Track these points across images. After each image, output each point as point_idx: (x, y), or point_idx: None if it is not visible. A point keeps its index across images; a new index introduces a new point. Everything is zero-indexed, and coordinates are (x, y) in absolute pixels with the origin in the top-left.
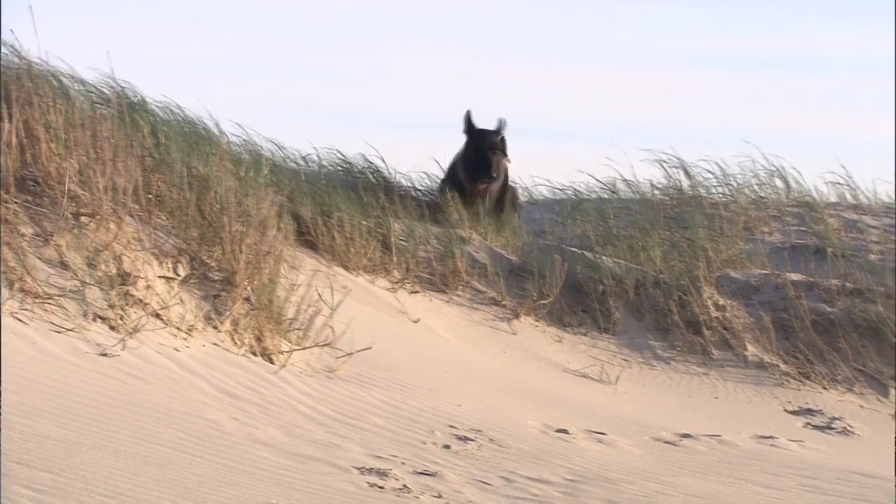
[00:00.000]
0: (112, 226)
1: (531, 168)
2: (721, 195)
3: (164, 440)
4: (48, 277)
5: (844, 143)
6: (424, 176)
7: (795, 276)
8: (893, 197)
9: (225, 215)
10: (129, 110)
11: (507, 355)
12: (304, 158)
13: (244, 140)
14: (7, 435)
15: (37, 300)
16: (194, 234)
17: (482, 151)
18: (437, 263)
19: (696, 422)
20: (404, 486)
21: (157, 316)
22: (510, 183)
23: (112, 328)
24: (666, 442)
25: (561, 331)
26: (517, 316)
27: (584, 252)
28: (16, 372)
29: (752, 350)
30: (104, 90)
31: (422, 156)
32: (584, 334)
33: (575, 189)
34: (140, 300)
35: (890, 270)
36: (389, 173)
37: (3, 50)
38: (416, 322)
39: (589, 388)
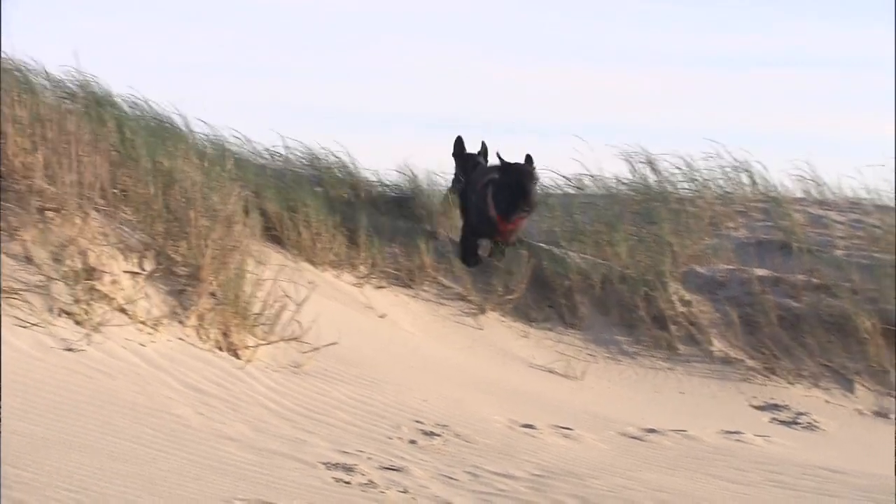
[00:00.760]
0: (78, 221)
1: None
2: (687, 190)
3: (129, 435)
4: (13, 272)
5: (809, 139)
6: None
7: (761, 272)
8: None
9: (191, 210)
10: (95, 105)
11: (473, 350)
12: (271, 154)
13: (211, 135)
14: None
15: (2, 295)
16: (160, 229)
17: (521, 184)
18: (403, 258)
19: (662, 417)
20: (370, 481)
21: (123, 311)
22: None
23: (77, 323)
24: (632, 437)
25: (527, 326)
26: (483, 311)
27: (551, 247)
28: None
29: (717, 345)
30: (70, 85)
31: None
32: (550, 329)
33: (541, 184)
34: (106, 295)
35: (856, 266)
36: (356, 169)
37: None
38: (382, 317)
39: (555, 383)
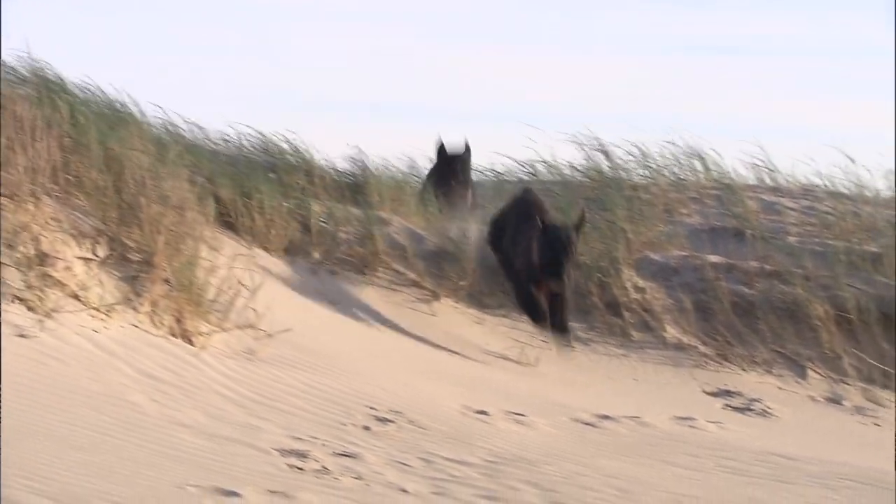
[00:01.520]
0: (30, 206)
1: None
2: (641, 177)
3: (83, 422)
4: None
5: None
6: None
7: (715, 258)
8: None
9: (143, 196)
10: (47, 91)
11: (426, 337)
12: (224, 140)
13: (164, 121)
14: None
15: None
16: (113, 215)
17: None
18: (356, 245)
19: (616, 403)
20: (324, 467)
21: (76, 297)
22: None
23: (30, 309)
24: (585, 423)
25: (481, 312)
26: (437, 298)
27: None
28: None
29: (671, 332)
30: (23, 71)
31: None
32: (504, 316)
33: (495, 171)
34: (59, 281)
35: (808, 252)
36: (310, 155)
37: None
38: (335, 304)
39: (509, 369)
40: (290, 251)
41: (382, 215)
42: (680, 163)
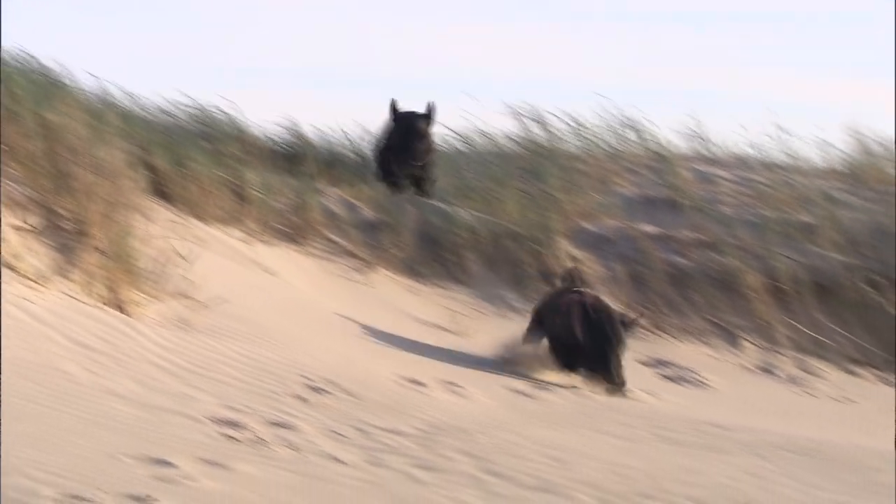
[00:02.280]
0: None
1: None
2: (576, 148)
3: (17, 392)
4: None
5: (697, 96)
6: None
7: (649, 229)
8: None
9: (77, 166)
10: None
11: (362, 306)
12: (158, 109)
13: (98, 90)
14: None
15: None
16: (47, 185)
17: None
18: (292, 215)
19: (550, 373)
20: (259, 437)
21: (10, 267)
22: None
23: None
24: (521, 393)
25: (416, 282)
26: (372, 267)
27: (440, 204)
28: None
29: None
30: None
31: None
32: (439, 285)
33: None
34: None
35: (742, 223)
36: (245, 124)
37: None
38: (270, 273)
39: (444, 339)
40: (225, 221)
41: (318, 185)
42: (615, 133)
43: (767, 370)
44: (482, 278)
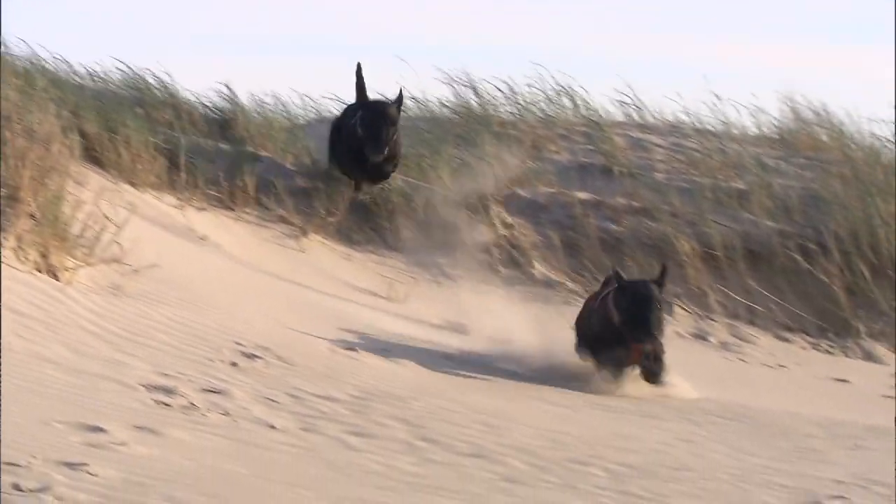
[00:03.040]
0: None
1: (320, 84)
2: (510, 114)
3: None
4: None
5: (631, 63)
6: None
7: (583, 195)
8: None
9: (8, 130)
10: None
11: (295, 273)
12: (90, 74)
13: (28, 54)
14: None
15: None
16: None
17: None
18: (225, 181)
19: (484, 340)
20: (191, 403)
21: None
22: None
23: None
24: (454, 359)
25: (349, 249)
26: (305, 234)
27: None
28: None
29: (539, 268)
30: None
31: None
32: (373, 252)
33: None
34: None
35: (675, 189)
36: (178, 90)
37: None
38: (203, 239)
39: (377, 305)
40: (158, 186)
41: (251, 151)
42: (549, 100)
43: (700, 336)
44: (415, 245)
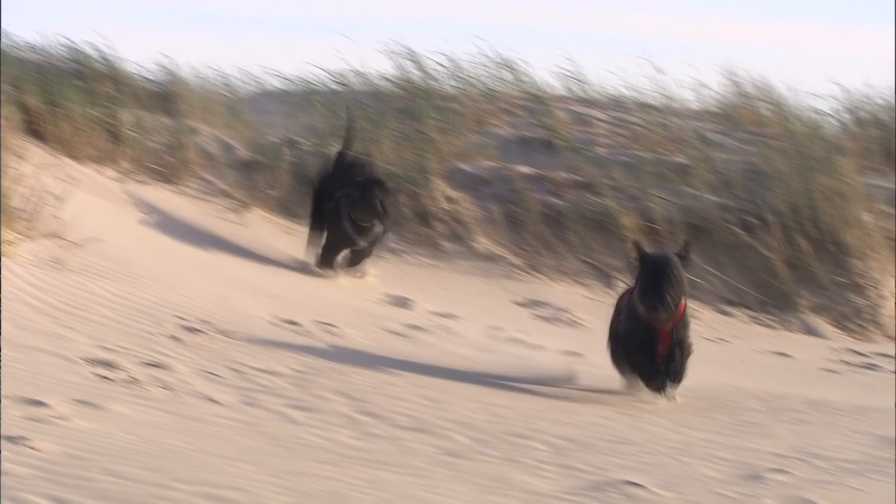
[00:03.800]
0: None
1: (261, 58)
2: (452, 87)
3: None
4: None
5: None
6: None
7: (525, 169)
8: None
9: None
10: None
11: (237, 247)
12: (30, 46)
13: None
14: None
15: None
16: None
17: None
18: (166, 154)
19: (427, 314)
20: (132, 377)
21: None
22: None
23: None
24: (395, 333)
25: (291, 222)
26: (247, 207)
27: (315, 144)
28: None
29: (481, 242)
30: None
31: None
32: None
33: (306, 80)
34: None
35: (617, 163)
36: (118, 63)
37: None
38: (145, 213)
39: (319, 279)
40: (99, 160)
41: (192, 124)
42: (491, 74)
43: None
44: None
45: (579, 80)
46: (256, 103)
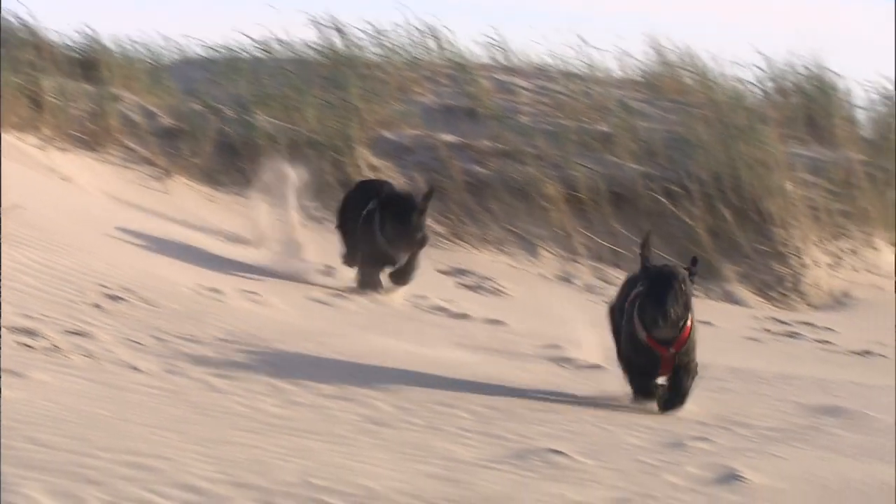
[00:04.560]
0: None
1: (184, 25)
2: (376, 56)
3: None
4: None
5: (497, 5)
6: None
7: (448, 138)
8: None
9: None
10: None
11: (160, 215)
12: None
13: None
14: None
15: None
16: None
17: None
18: (89, 122)
19: (350, 282)
20: (54, 345)
21: None
22: None
23: None
24: (320, 301)
25: (214, 190)
26: (170, 175)
27: (238, 112)
28: None
29: None
30: None
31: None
32: (238, 194)
33: (230, 48)
34: None
35: (541, 132)
36: (40, 29)
37: None
38: (67, 181)
39: (242, 247)
40: (21, 127)
41: (115, 92)
42: (415, 42)
43: (565, 279)
44: None
45: (503, 49)
46: (179, 71)
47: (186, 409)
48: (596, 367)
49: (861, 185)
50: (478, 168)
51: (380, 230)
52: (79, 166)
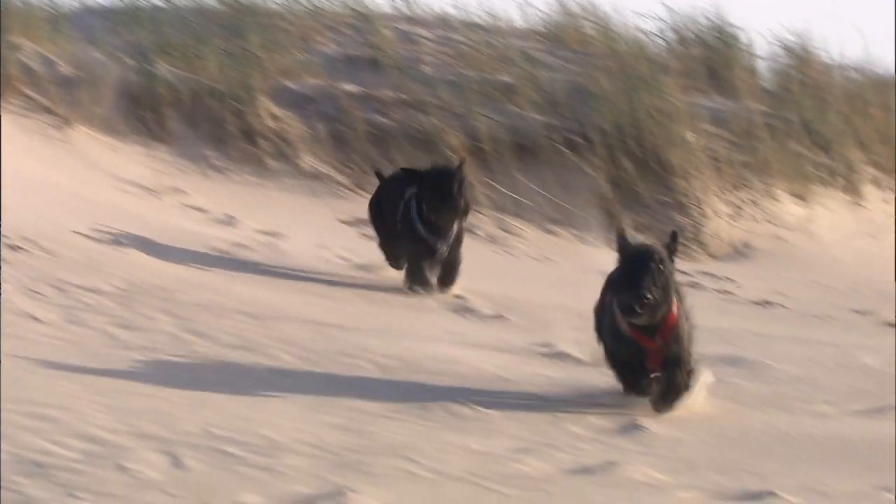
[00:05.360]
0: None
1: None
2: (277, 4)
3: None
4: None
5: None
6: None
7: (350, 88)
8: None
9: None
10: None
11: (60, 165)
12: None
13: None
14: None
15: None
16: None
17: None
18: None
19: (252, 233)
20: None
21: None
22: None
23: None
24: (221, 251)
25: (116, 140)
26: (70, 124)
27: (139, 61)
28: None
29: (306, 160)
30: None
31: None
32: (139, 144)
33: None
34: None
35: (443, 82)
36: None
37: None
38: None
39: (144, 197)
40: None
41: (14, 40)
42: None
43: (468, 229)
44: (183, 137)
45: None
46: (79, 19)
47: (87, 359)
48: (498, 317)
49: (762, 137)
50: (380, 118)
51: (418, 217)
52: None
